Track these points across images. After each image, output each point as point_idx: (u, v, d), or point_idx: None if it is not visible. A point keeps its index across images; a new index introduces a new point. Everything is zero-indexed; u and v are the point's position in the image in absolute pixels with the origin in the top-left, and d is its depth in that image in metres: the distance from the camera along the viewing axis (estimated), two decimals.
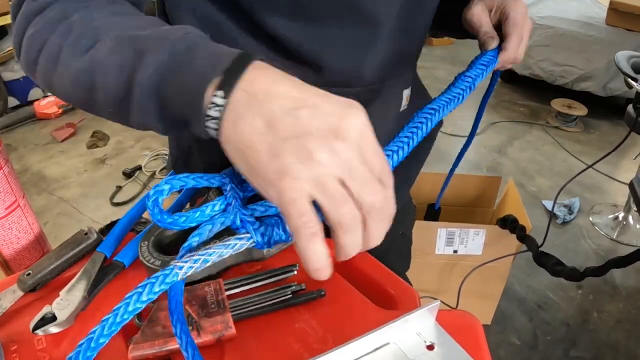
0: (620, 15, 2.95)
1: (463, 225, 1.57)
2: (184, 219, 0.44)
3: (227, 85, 0.35)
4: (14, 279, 0.56)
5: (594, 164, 1.72)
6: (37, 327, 0.48)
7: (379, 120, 0.70)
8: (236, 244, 0.41)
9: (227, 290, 0.51)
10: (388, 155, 0.48)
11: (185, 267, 0.39)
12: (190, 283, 0.51)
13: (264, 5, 0.55)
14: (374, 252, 0.87)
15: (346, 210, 0.33)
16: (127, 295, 0.38)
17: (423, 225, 1.62)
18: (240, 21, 0.57)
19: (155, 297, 0.38)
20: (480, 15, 0.66)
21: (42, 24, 0.45)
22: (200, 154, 0.70)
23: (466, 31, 0.70)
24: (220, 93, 0.35)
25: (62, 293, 0.52)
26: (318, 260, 0.34)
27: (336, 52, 0.59)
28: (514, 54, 0.65)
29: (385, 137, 0.77)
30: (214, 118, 0.36)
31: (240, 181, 0.47)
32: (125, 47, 0.40)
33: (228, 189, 0.47)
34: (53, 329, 0.49)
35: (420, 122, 0.52)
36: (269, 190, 0.34)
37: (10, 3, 0.50)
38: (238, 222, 0.44)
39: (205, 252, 0.41)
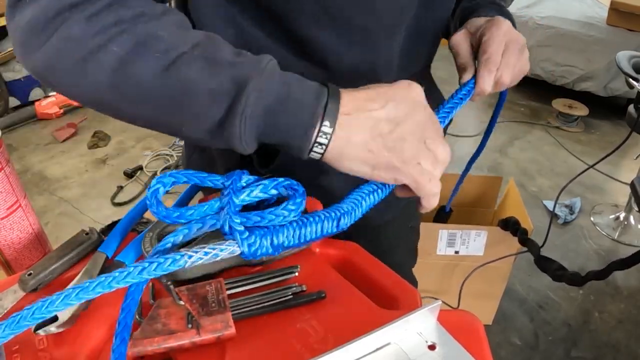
0: (620, 15, 2.94)
1: (464, 226, 1.57)
2: (177, 213, 0.45)
3: (330, 117, 0.44)
4: (15, 279, 0.56)
5: (595, 164, 1.72)
6: (38, 327, 0.48)
7: None
8: (224, 249, 0.42)
9: (227, 289, 0.51)
10: (371, 190, 0.51)
11: (195, 257, 0.41)
12: (190, 281, 0.51)
13: (289, 9, 0.55)
14: (386, 244, 0.89)
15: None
16: (135, 265, 0.40)
17: (424, 226, 1.61)
18: (263, 22, 0.58)
19: (152, 277, 0.40)
20: (459, 43, 0.65)
21: (90, 27, 0.41)
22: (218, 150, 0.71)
23: None
24: (327, 123, 0.44)
25: None
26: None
27: (356, 51, 0.61)
28: (483, 87, 0.62)
29: None
30: (321, 144, 0.44)
31: (240, 187, 0.47)
32: (217, 73, 0.42)
33: (225, 192, 0.47)
34: (54, 329, 0.49)
35: None
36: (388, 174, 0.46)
37: None
38: (227, 228, 0.44)
39: (200, 248, 0.42)
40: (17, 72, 3.32)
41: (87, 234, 0.61)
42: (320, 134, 0.44)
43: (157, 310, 0.48)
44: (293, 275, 0.53)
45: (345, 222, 0.48)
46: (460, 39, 0.65)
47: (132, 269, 0.40)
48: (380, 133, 0.45)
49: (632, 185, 1.50)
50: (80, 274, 0.55)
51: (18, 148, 3.04)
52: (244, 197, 0.46)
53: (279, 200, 0.49)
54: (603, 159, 1.68)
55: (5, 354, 0.48)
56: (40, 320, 0.37)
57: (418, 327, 0.45)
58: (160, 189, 0.46)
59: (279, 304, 0.50)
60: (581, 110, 3.12)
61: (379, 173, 0.46)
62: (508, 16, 0.69)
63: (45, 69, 0.43)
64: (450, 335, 0.44)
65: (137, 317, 0.49)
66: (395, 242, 0.92)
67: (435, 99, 0.79)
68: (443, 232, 1.59)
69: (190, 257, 0.41)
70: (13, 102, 3.38)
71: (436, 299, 0.49)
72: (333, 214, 0.47)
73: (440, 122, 0.56)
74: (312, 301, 0.50)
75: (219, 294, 0.49)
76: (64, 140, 3.09)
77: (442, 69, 1.36)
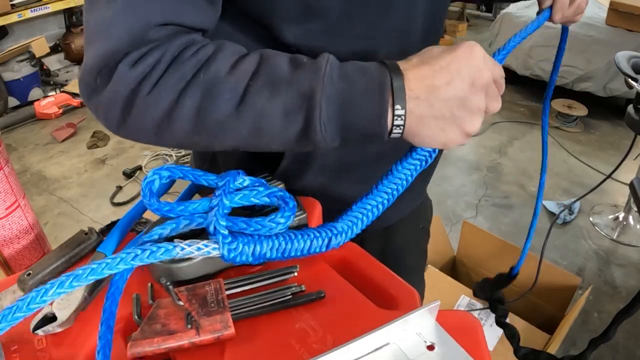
0: (620, 15, 2.95)
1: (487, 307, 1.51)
2: (168, 207, 0.46)
3: (400, 100, 0.46)
4: (14, 279, 0.56)
5: (612, 172, 1.69)
6: (37, 327, 0.48)
7: None
8: (202, 249, 0.43)
9: (227, 289, 0.51)
10: (370, 208, 0.51)
11: (187, 250, 0.42)
12: (189, 281, 0.51)
13: (274, 14, 0.55)
14: (398, 245, 0.88)
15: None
16: (127, 251, 0.40)
17: (451, 284, 1.62)
18: (251, 32, 0.58)
19: (144, 263, 0.41)
20: None
21: (159, 90, 0.46)
22: (225, 159, 0.73)
23: None
24: (398, 106, 0.46)
25: None
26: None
27: (350, 50, 0.59)
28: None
29: None
30: (398, 126, 0.47)
31: (232, 189, 0.47)
32: (283, 93, 0.46)
33: (217, 193, 0.47)
34: (53, 328, 0.49)
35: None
36: (455, 134, 0.48)
37: (82, 69, 0.48)
38: (211, 229, 0.45)
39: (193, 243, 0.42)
40: (16, 72, 3.32)
41: (86, 233, 0.60)
42: (395, 117, 0.46)
43: (157, 310, 0.48)
44: (292, 275, 0.53)
45: (337, 242, 0.48)
46: None
47: (124, 255, 0.40)
48: (449, 111, 0.47)
49: (631, 185, 1.50)
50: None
51: (17, 148, 3.04)
52: (237, 200, 0.47)
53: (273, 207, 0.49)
54: (618, 166, 1.66)
55: (4, 354, 0.48)
56: (35, 310, 0.37)
57: (417, 327, 0.45)
58: (156, 180, 0.47)
59: (278, 304, 0.50)
60: (580, 110, 3.12)
61: (447, 145, 0.50)
62: None
63: (135, 134, 0.49)
64: (449, 335, 0.44)
65: (136, 317, 0.49)
66: (406, 243, 0.93)
67: None
68: (464, 299, 1.58)
69: (182, 249, 0.42)
70: (12, 102, 3.38)
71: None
72: (324, 234, 0.47)
73: (517, 41, 0.61)
74: (311, 301, 0.50)
75: (218, 294, 0.49)
76: (63, 140, 3.09)
77: None
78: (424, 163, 0.54)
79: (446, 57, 0.47)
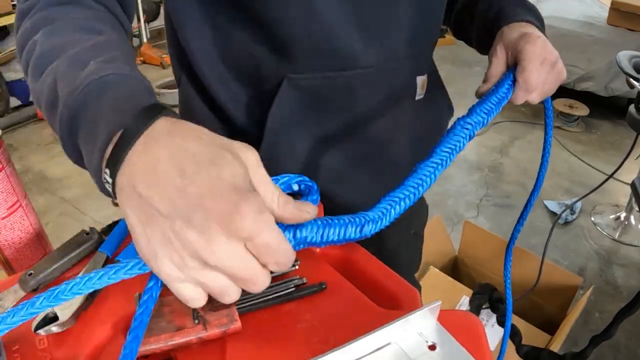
0: (621, 14, 2.94)
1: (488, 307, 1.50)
2: None
3: (112, 167, 0.33)
4: (16, 279, 0.56)
5: (614, 172, 1.70)
6: (38, 327, 0.48)
7: (388, 109, 0.69)
8: None
9: None
10: (398, 200, 0.49)
11: None
12: None
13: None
14: (389, 251, 0.88)
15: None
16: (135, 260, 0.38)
17: (452, 284, 1.62)
18: (236, 14, 0.58)
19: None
20: (496, 57, 0.65)
21: (22, 32, 0.48)
22: None
23: None
24: (107, 171, 0.34)
25: None
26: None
27: (326, 34, 0.58)
28: (515, 102, 0.64)
29: (402, 128, 0.73)
30: (107, 189, 0.35)
31: None
32: (56, 82, 0.41)
33: None
34: (55, 328, 0.49)
35: (424, 175, 0.52)
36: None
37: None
38: None
39: None
40: (18, 72, 3.33)
41: (87, 233, 0.61)
42: (104, 174, 0.34)
43: (161, 308, 0.48)
44: (294, 268, 0.54)
45: (370, 230, 0.47)
46: (498, 52, 0.66)
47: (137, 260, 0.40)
48: (160, 230, 0.31)
49: (633, 185, 1.50)
50: (80, 274, 0.55)
51: (19, 148, 3.04)
52: None
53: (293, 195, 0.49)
54: (620, 165, 1.67)
55: (5, 353, 0.48)
56: (48, 308, 0.37)
57: (418, 327, 0.45)
58: None
59: (282, 296, 0.50)
60: (582, 110, 3.12)
61: (151, 266, 0.33)
62: (535, 14, 0.72)
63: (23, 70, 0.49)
64: (450, 335, 0.44)
65: None
66: (398, 249, 0.92)
67: (438, 91, 0.78)
68: (466, 299, 1.58)
69: None
70: (14, 102, 3.38)
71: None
72: (357, 220, 0.47)
73: (482, 119, 0.57)
74: (313, 293, 0.51)
75: None
76: None
77: (442, 69, 1.39)
78: (444, 163, 0.53)
79: (191, 160, 0.31)
